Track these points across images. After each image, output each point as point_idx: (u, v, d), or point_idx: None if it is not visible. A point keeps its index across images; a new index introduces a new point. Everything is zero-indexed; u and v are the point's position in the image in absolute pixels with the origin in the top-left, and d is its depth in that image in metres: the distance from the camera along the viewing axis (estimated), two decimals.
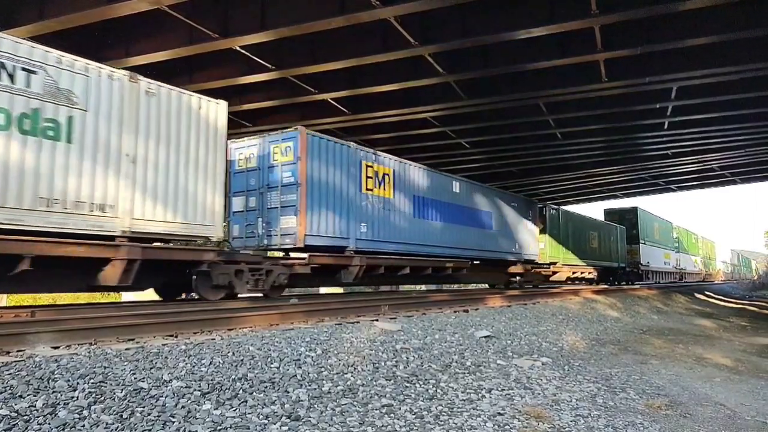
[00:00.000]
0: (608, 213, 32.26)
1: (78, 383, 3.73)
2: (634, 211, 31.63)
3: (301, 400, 4.21)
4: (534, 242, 20.18)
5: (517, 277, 19.17)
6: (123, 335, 5.45)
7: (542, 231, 21.03)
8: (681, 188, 36.19)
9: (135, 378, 4.00)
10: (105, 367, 4.10)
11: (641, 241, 30.91)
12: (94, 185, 7.60)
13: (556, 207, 23.27)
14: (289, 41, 12.42)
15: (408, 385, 5.06)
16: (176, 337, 5.67)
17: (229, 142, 10.82)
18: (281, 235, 10.64)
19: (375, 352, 5.84)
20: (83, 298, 14.63)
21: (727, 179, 32.62)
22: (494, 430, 4.15)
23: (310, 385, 4.55)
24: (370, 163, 12.50)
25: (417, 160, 15.04)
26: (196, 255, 8.85)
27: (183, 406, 3.70)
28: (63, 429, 3.19)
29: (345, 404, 4.29)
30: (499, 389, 5.28)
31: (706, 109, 17.38)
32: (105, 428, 3.26)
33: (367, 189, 12.29)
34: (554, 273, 21.98)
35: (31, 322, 5.47)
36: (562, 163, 26.00)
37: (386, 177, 13.02)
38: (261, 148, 11.18)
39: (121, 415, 3.44)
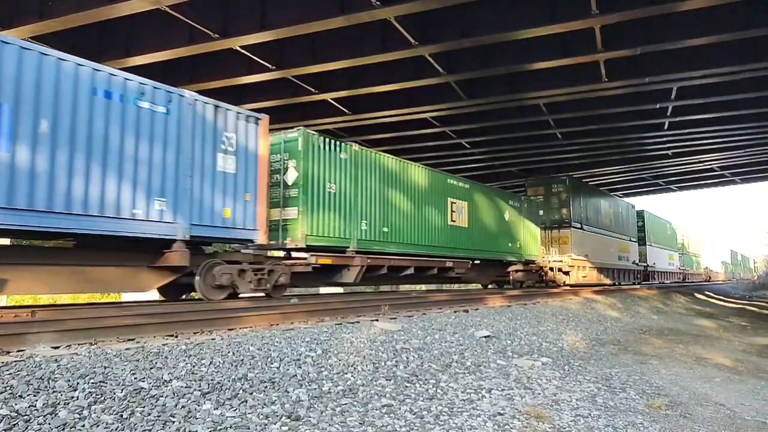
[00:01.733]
0: (531, 185, 22.79)
1: (78, 383, 3.74)
2: (563, 182, 21.96)
3: (301, 400, 4.22)
4: (252, 202, 9.19)
5: (196, 277, 8.46)
6: (123, 335, 5.45)
7: (294, 185, 10.43)
8: (681, 188, 36.20)
9: (135, 378, 4.00)
10: (105, 367, 4.10)
11: (574, 226, 21.45)
12: None
13: (329, 137, 11.31)
14: (289, 41, 12.42)
15: (408, 385, 5.06)
16: (176, 337, 5.67)
17: None
18: None
19: (375, 352, 5.84)
20: (83, 298, 14.62)
21: (727, 179, 32.63)
22: (494, 430, 4.15)
23: (310, 385, 4.56)
24: None
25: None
26: None
27: (183, 406, 3.71)
28: (63, 429, 3.19)
29: (345, 404, 4.30)
30: (499, 389, 5.28)
31: (706, 109, 17.39)
32: (105, 428, 3.26)
33: None
34: (343, 268, 11.48)
35: (31, 322, 5.47)
36: (562, 163, 26.00)
37: None
38: None
39: (121, 415, 3.44)
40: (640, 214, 30.97)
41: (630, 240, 28.60)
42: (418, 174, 13.80)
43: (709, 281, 46.25)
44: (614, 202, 27.59)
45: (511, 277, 18.72)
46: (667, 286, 30.53)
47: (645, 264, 30.39)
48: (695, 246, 44.57)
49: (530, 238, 19.20)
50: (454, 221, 14.87)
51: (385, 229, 12.41)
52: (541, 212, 21.03)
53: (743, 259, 71.79)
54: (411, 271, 13.13)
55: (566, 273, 20.70)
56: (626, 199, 31.65)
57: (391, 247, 12.61)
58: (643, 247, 30.54)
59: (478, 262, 16.26)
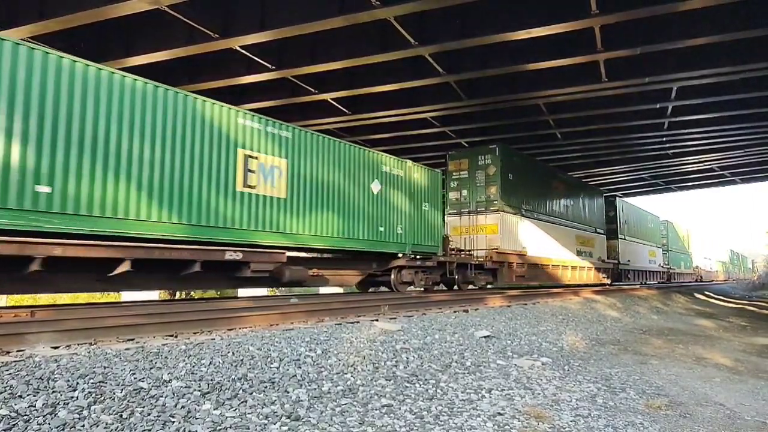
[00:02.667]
0: (453, 158, 17.54)
1: (78, 383, 3.73)
2: (492, 152, 16.77)
3: (301, 400, 4.21)
4: None
5: None
6: (123, 335, 5.45)
7: None
8: (681, 188, 36.23)
9: (135, 378, 3.99)
10: (105, 367, 4.10)
11: (506, 210, 16.70)
12: None
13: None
14: (289, 41, 12.42)
15: (408, 385, 5.06)
16: (176, 337, 5.67)
17: None
18: None
19: (375, 352, 5.84)
20: (83, 298, 14.62)
21: (727, 179, 32.67)
22: (494, 430, 4.14)
23: (310, 385, 4.55)
24: None
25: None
26: None
27: (183, 406, 3.71)
28: (63, 429, 3.19)
29: (345, 404, 4.29)
30: (499, 389, 5.28)
31: (706, 109, 17.41)
32: (105, 428, 3.26)
33: None
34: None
35: (31, 322, 5.46)
36: (562, 163, 26.03)
37: None
38: None
39: (121, 415, 3.44)
40: (612, 203, 26.44)
41: (596, 232, 24.16)
42: (149, 95, 7.83)
43: (700, 282, 41.78)
44: (573, 185, 22.91)
45: (392, 277, 13.17)
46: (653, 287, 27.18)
47: (616, 261, 25.85)
48: (685, 242, 39.83)
49: (425, 222, 13.62)
50: (252, 186, 9.25)
51: (44, 189, 6.67)
52: (464, 192, 16.63)
53: (742, 259, 71.76)
54: (126, 267, 7.44)
55: (492, 271, 15.92)
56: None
57: (61, 221, 6.84)
58: (615, 241, 26.00)
59: (326, 255, 11.63)
